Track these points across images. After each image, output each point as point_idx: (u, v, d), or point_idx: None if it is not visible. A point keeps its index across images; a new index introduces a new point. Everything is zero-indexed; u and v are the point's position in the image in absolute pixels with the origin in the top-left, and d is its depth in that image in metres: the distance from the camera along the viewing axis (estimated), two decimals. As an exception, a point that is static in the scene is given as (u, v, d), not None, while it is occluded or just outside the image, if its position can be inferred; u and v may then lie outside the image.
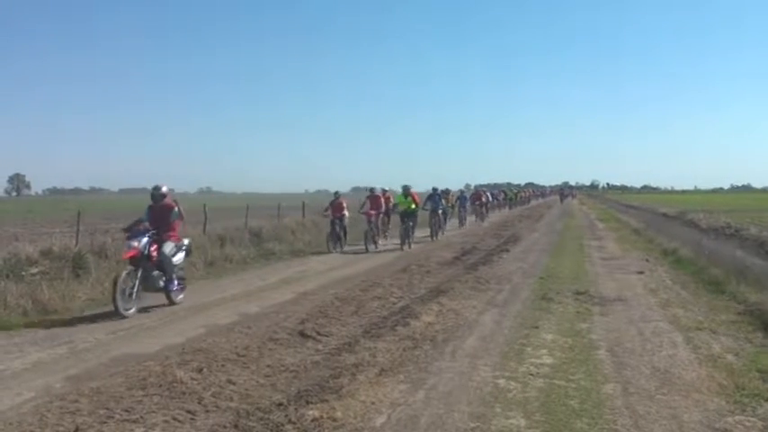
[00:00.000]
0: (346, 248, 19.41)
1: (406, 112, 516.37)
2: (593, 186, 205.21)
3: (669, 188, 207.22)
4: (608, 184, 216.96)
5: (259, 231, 19.29)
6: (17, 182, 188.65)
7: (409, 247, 20.05)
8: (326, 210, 20.19)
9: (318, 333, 8.16)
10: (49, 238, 15.23)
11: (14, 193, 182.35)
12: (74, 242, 13.84)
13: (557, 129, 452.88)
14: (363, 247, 19.34)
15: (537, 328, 8.43)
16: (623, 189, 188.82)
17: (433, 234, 23.33)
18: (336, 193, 20.38)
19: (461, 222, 31.02)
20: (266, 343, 7.59)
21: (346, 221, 19.69)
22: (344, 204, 19.83)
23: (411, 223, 20.57)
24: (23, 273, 11.41)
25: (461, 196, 33.43)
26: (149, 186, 10.76)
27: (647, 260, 15.86)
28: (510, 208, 50.75)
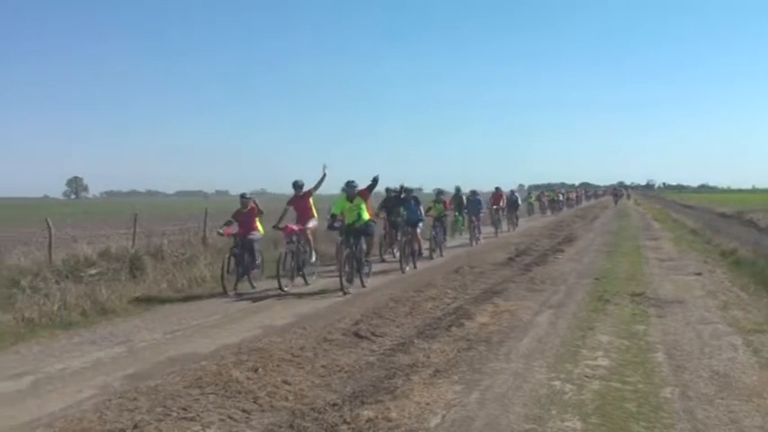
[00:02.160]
0: (262, 284, 12.56)
1: (418, 110, 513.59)
2: (649, 186, 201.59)
3: (726, 187, 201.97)
4: (664, 183, 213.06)
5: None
6: (75, 185, 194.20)
7: (363, 285, 12.23)
8: (227, 224, 12.58)
9: (373, 333, 8.15)
10: (106, 239, 15.59)
11: (73, 196, 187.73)
12: (131, 244, 14.17)
13: (613, 128, 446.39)
14: (301, 284, 12.64)
15: (592, 329, 8.30)
16: (680, 188, 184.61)
17: (402, 259, 14.86)
18: (244, 195, 12.94)
19: (474, 238, 21.81)
20: (321, 343, 7.61)
21: (257, 242, 12.68)
22: (256, 213, 12.78)
23: (358, 247, 12.29)
24: (82, 274, 11.72)
25: (473, 199, 22.71)
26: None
27: (705, 261, 15.50)
28: (552, 212, 43.62)
